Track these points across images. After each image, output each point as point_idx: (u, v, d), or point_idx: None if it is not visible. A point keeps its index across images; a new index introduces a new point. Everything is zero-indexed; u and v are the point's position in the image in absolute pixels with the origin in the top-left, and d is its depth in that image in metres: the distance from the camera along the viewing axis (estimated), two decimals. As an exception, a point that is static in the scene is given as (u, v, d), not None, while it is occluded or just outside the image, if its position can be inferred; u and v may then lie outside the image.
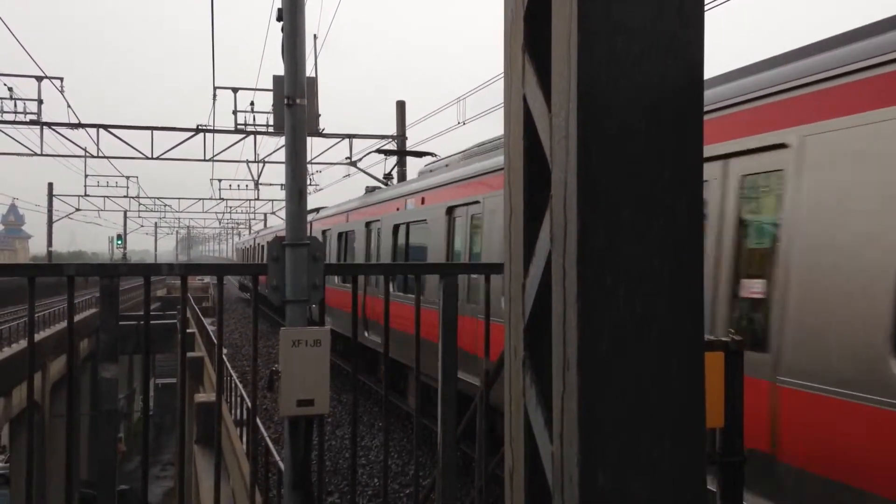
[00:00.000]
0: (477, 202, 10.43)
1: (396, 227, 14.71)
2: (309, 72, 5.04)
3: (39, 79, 25.11)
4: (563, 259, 1.37)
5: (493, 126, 11.03)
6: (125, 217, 72.69)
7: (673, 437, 1.33)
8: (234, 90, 25.80)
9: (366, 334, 16.15)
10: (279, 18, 4.94)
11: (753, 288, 5.24)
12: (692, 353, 1.34)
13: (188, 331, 25.47)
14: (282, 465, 7.00)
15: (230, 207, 68.10)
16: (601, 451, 1.30)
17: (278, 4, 5.00)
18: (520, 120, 1.66)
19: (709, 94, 5.61)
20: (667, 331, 1.33)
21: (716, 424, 3.38)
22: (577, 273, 1.31)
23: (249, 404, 5.21)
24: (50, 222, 53.44)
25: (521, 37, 1.63)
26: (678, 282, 1.33)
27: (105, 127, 26.73)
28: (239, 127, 26.15)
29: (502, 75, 1.79)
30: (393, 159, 25.34)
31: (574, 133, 1.31)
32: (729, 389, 3.37)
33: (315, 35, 23.75)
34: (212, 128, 26.85)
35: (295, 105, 4.88)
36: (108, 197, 52.31)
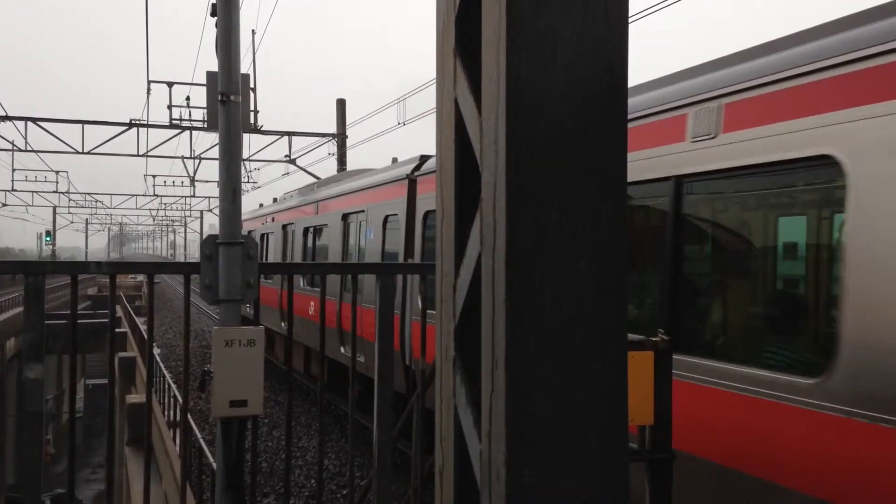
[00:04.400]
0: None
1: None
2: (247, 68, 4.97)
3: (-37, 69, 24.21)
4: (493, 260, 1.38)
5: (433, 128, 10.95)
6: (55, 213, 70.52)
7: (597, 434, 1.36)
8: (170, 84, 25.22)
9: (342, 350, 13.05)
10: (213, 14, 4.86)
11: None
12: (616, 353, 1.37)
13: (119, 330, 24.81)
14: (215, 467, 6.89)
15: (164, 204, 66.63)
16: (527, 448, 1.33)
17: (213, -1, 4.92)
18: (451, 123, 1.67)
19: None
20: (592, 331, 1.36)
21: (645, 422, 3.47)
22: (506, 274, 1.33)
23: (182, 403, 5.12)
24: (-26, 218, 51.44)
25: (452, 39, 1.65)
26: (603, 283, 1.36)
27: (33, 120, 25.91)
28: (174, 122, 25.59)
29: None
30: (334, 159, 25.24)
31: (503, 136, 1.32)
32: (658, 388, 3.46)
33: (253, 30, 23.42)
34: (146, 122, 26.24)
35: (229, 102, 4.81)
36: (36, 192, 50.68)
